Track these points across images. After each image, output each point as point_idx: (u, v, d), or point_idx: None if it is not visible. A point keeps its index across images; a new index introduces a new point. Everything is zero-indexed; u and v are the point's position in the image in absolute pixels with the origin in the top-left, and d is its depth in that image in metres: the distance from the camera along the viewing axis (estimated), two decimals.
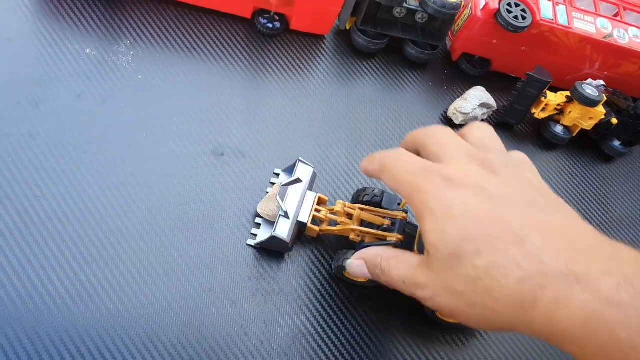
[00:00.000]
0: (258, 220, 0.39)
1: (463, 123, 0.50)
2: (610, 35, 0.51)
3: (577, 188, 0.51)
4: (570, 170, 0.52)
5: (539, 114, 0.50)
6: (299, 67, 0.49)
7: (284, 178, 0.41)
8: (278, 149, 0.43)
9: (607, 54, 0.52)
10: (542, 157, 0.52)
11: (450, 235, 0.26)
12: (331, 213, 0.38)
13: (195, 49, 0.46)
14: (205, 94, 0.44)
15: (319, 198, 0.39)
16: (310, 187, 0.40)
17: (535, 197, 0.28)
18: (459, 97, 0.51)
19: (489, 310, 0.26)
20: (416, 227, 0.36)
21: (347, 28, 0.51)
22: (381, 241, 0.35)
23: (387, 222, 0.37)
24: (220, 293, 0.36)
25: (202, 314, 0.35)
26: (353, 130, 0.47)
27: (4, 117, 0.38)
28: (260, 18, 0.48)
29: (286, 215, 0.37)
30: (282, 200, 0.37)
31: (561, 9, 0.51)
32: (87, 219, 0.36)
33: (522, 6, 0.49)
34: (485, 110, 0.50)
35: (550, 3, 0.51)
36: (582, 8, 0.52)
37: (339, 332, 0.37)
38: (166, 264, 0.36)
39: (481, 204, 0.26)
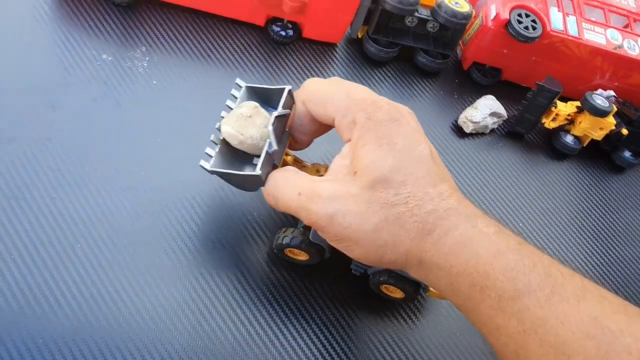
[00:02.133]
0: (214, 138, 0.34)
1: (473, 132, 0.50)
2: (621, 47, 0.51)
3: (587, 198, 0.51)
4: (581, 181, 0.52)
5: (549, 123, 0.51)
6: (311, 74, 0.49)
7: (244, 95, 0.34)
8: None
9: (617, 65, 0.52)
10: (552, 167, 0.52)
11: (389, 162, 0.30)
12: (296, 161, 0.36)
13: (209, 56, 0.46)
14: (219, 100, 0.44)
15: (290, 140, 0.35)
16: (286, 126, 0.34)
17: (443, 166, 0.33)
18: (469, 105, 0.51)
19: (392, 235, 0.30)
20: None
21: (359, 36, 0.52)
22: None
23: None
24: (229, 293, 0.36)
25: (212, 317, 0.35)
26: None
27: (21, 121, 0.38)
28: (274, 26, 0.49)
29: (273, 154, 0.31)
30: (274, 135, 0.31)
31: (571, 19, 0.51)
32: (100, 221, 0.36)
33: (533, 17, 0.49)
34: (495, 119, 0.51)
35: (561, 14, 0.51)
36: (593, 19, 0.53)
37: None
38: (179, 268, 0.36)
39: (418, 147, 0.31)
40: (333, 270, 0.39)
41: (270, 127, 0.31)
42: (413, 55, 0.52)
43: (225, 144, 0.33)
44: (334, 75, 0.50)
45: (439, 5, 0.48)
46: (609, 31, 0.52)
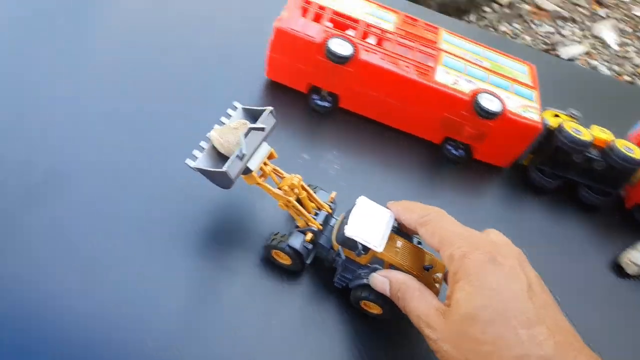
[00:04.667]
0: (203, 144, 0.39)
1: (636, 274, 0.50)
2: None
3: None
4: None
5: None
6: (476, 192, 0.53)
7: (239, 115, 0.41)
8: None
9: None
10: None
11: (477, 300, 0.32)
12: (274, 172, 0.40)
13: (389, 165, 0.52)
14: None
15: (270, 153, 0.40)
16: (266, 138, 0.40)
17: (552, 301, 0.33)
18: (629, 245, 0.52)
19: None
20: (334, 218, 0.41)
21: (525, 164, 0.55)
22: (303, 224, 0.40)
23: (313, 212, 0.41)
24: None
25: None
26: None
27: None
28: (447, 145, 0.54)
29: (242, 157, 0.37)
30: (244, 141, 0.37)
31: None
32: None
33: None
34: None
35: None
36: None
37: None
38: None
39: (511, 286, 0.32)
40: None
41: (241, 134, 0.37)
42: (574, 187, 0.54)
43: (213, 148, 0.39)
44: (495, 193, 0.53)
45: (610, 148, 0.51)
46: None
